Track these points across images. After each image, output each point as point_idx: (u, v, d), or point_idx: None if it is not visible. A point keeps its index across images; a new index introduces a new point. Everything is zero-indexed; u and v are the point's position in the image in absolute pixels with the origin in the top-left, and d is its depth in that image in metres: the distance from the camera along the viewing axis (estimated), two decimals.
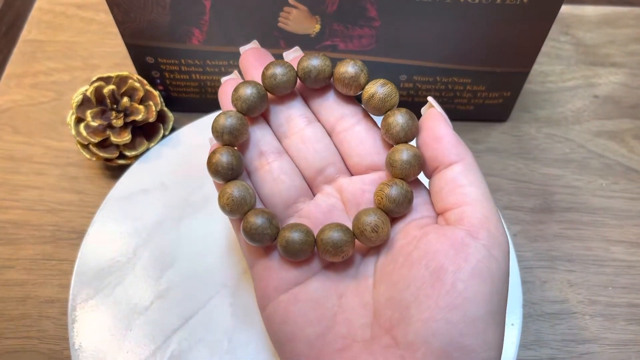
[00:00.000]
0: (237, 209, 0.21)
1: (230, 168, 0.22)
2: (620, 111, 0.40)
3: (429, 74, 0.35)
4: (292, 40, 0.32)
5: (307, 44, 0.32)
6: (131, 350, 0.28)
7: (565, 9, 0.44)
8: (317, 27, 0.31)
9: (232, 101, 0.23)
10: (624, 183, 0.36)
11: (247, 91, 0.22)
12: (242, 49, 0.25)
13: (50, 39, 0.42)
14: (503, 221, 0.31)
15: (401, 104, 0.37)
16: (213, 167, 0.22)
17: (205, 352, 0.28)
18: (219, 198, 0.22)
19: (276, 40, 0.32)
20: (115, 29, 0.42)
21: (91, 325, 0.29)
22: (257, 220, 0.21)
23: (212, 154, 0.22)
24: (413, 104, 0.37)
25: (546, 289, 0.33)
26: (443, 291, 0.19)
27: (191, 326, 0.29)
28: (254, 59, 0.24)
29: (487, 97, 0.37)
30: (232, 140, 0.22)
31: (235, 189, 0.21)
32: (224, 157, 0.22)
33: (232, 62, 0.34)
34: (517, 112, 0.39)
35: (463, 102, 0.37)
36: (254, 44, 0.25)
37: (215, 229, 0.32)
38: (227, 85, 0.24)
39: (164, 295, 0.30)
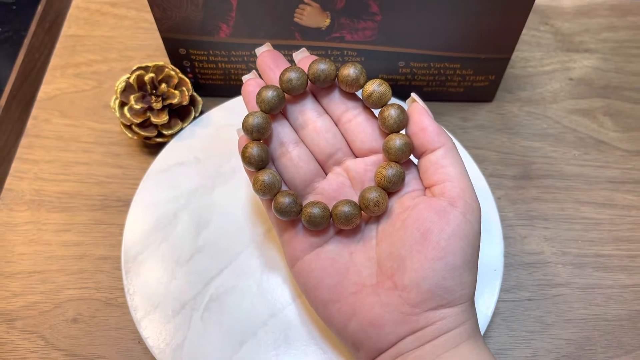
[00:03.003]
0: (268, 192, 0.27)
1: (261, 160, 0.27)
2: (592, 91, 0.45)
3: (423, 61, 0.40)
4: (306, 32, 0.38)
5: (319, 35, 0.38)
6: (176, 294, 0.34)
7: (545, 1, 0.49)
8: (328, 21, 0.37)
9: (257, 103, 0.28)
10: (595, 153, 0.42)
11: (269, 94, 0.27)
12: (257, 51, 0.30)
13: (88, 34, 0.47)
14: (489, 186, 0.37)
15: (399, 88, 0.42)
16: (247, 159, 0.27)
17: (238, 295, 0.34)
18: (253, 184, 0.27)
19: (292, 33, 0.38)
20: (145, 24, 0.47)
21: (142, 274, 0.34)
22: (285, 200, 0.27)
23: (245, 148, 0.27)
24: (410, 87, 0.42)
25: (525, 243, 0.38)
26: (430, 248, 0.25)
27: (226, 275, 0.35)
28: (270, 61, 0.29)
29: (474, 80, 0.42)
30: (259, 135, 0.27)
31: (265, 176, 0.27)
32: (254, 151, 0.27)
33: (254, 53, 0.39)
34: (502, 93, 0.45)
35: (454, 85, 0.42)
36: (267, 46, 0.30)
37: (242, 195, 0.37)
38: (249, 85, 0.29)
39: (202, 250, 0.35)
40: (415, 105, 0.27)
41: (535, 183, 0.40)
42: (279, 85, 0.28)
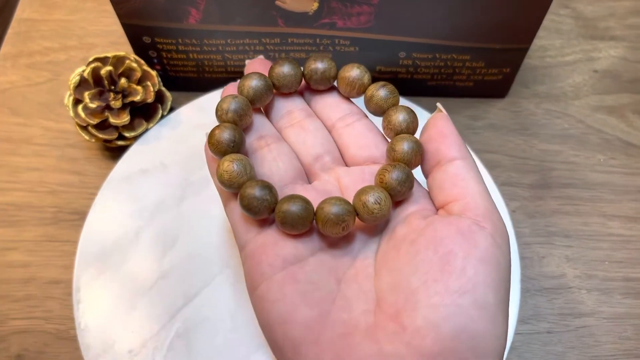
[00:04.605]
0: (234, 180, 0.21)
1: (232, 140, 0.21)
2: (620, 86, 0.39)
3: (428, 51, 0.34)
4: (290, 18, 0.32)
5: (305, 21, 0.32)
6: (136, 330, 0.29)
7: None
8: (315, 4, 0.31)
9: (239, 88, 0.23)
10: (623, 158, 0.37)
11: (255, 81, 0.23)
12: (247, 62, 0.26)
13: (45, 18, 0.41)
14: (502, 197, 0.32)
15: (400, 81, 0.37)
16: (214, 140, 0.21)
17: (209, 330, 0.29)
18: (218, 168, 0.21)
19: (274, 19, 0.32)
20: (110, 7, 0.41)
21: (96, 306, 0.29)
22: (256, 190, 0.20)
23: (214, 129, 0.22)
24: (412, 81, 0.37)
25: (544, 265, 0.33)
26: (453, 275, 0.19)
27: (195, 305, 0.30)
28: (258, 66, 0.25)
29: (486, 73, 0.36)
30: (236, 119, 0.22)
31: (235, 162, 0.21)
32: (225, 132, 0.21)
33: (230, 41, 0.34)
34: (516, 87, 0.39)
35: (462, 79, 0.37)
36: (260, 58, 0.26)
37: (217, 209, 0.32)
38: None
39: (168, 275, 0.30)
40: (441, 114, 0.22)
41: (554, 193, 0.35)
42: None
